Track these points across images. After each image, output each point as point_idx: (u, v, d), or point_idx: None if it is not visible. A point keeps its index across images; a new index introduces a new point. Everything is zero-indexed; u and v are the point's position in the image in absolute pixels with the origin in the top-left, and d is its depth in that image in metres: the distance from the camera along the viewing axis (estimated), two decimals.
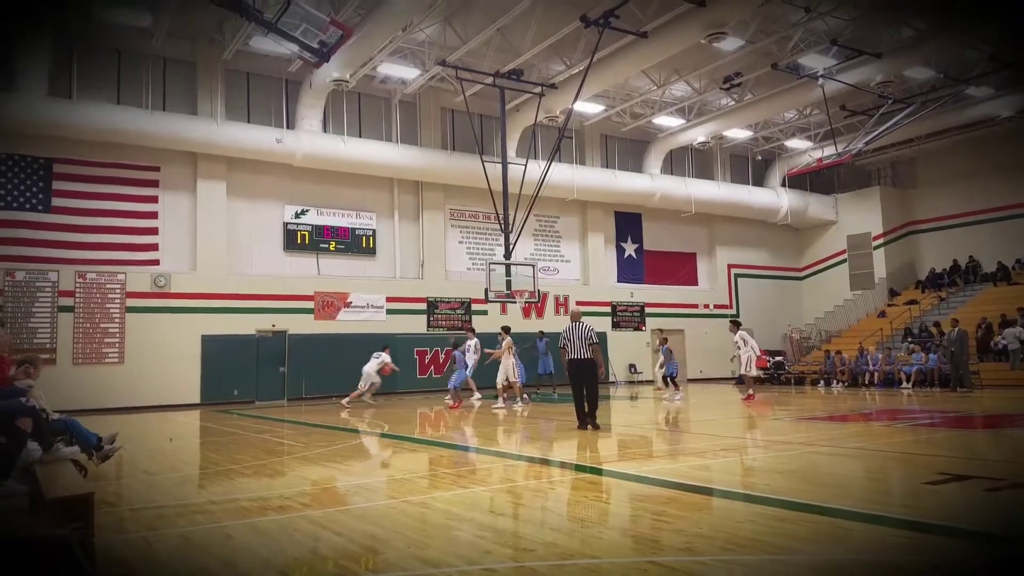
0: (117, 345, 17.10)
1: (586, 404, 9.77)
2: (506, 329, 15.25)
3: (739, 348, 15.32)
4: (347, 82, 18.00)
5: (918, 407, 13.17)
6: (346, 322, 19.93)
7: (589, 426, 9.68)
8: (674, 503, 5.18)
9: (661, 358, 16.79)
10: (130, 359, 17.12)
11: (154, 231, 18.10)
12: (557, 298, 23.49)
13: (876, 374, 19.80)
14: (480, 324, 20.53)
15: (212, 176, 18.65)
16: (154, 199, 18.15)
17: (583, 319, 10.38)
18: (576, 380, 9.94)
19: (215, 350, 17.99)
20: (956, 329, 17.58)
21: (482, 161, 18.60)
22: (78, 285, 16.89)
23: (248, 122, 19.00)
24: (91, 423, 6.94)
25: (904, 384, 18.84)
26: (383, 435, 10.30)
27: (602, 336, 21.39)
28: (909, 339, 21.97)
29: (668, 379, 16.20)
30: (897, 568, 3.51)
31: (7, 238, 16.43)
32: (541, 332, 20.08)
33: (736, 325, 15.85)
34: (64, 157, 17.10)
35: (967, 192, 25.80)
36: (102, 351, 16.95)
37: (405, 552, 3.95)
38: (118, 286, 17.31)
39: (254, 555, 3.98)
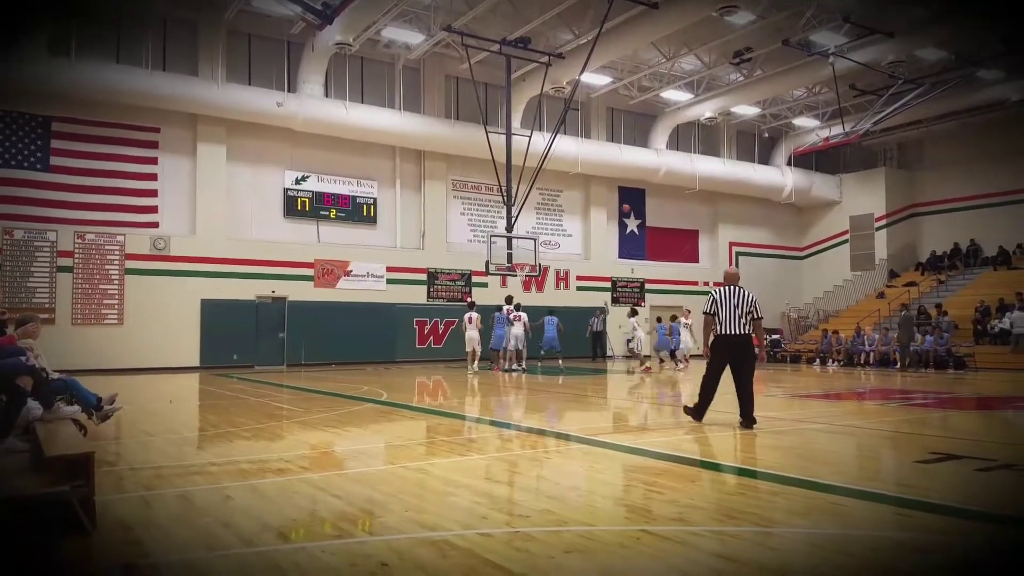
0: (116, 307, 17.13)
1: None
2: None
3: (634, 330, 18.39)
4: (350, 45, 17.75)
5: (912, 388, 13.25)
6: (346, 290, 19.94)
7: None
8: (667, 474, 5.24)
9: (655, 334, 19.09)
10: (129, 321, 17.16)
11: (153, 193, 18.00)
12: (558, 272, 23.47)
13: (872, 354, 19.90)
14: (481, 296, 20.56)
15: (212, 139, 18.48)
16: (154, 160, 18.01)
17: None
18: None
19: (215, 314, 18.02)
20: (903, 312, 18.73)
21: (486, 131, 18.41)
22: (77, 246, 16.85)
23: (249, 85, 18.77)
24: (90, 383, 6.97)
25: (899, 364, 18.94)
26: (381, 403, 10.37)
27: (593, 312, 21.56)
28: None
29: (671, 353, 18.56)
30: (890, 544, 3.56)
31: (5, 196, 16.34)
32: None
33: (633, 312, 18.92)
34: (63, 116, 16.92)
35: (973, 175, 25.63)
36: (101, 312, 16.97)
37: (402, 516, 3.99)
38: (117, 247, 17.27)
39: (253, 516, 4.03)
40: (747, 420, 7.36)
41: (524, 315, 16.85)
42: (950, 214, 26.53)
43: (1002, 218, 24.74)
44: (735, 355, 7.47)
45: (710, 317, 7.63)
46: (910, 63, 20.54)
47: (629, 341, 19.27)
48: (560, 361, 17.78)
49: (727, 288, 7.58)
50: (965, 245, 25.67)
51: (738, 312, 7.41)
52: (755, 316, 7.48)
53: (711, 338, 7.72)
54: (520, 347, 16.62)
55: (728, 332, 7.45)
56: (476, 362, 16.74)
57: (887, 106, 22.00)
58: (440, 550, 3.37)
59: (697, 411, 7.65)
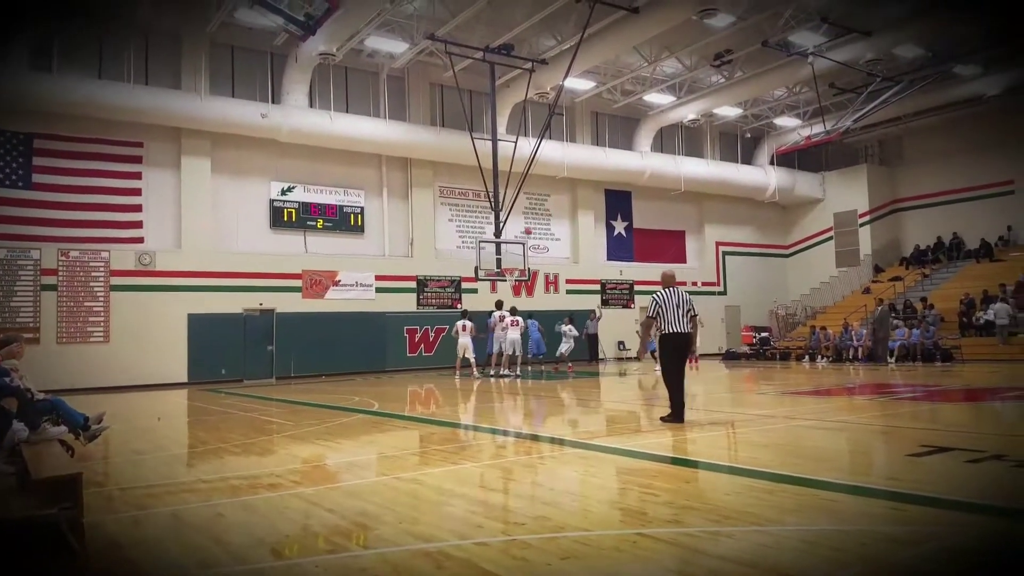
0: (102, 324, 16.95)
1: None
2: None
3: (566, 335, 18.62)
4: (334, 56, 17.73)
5: (900, 381, 13.36)
6: (335, 300, 19.84)
7: None
8: (661, 476, 5.24)
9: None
10: (115, 338, 16.98)
11: (138, 208, 17.85)
12: (547, 276, 23.50)
13: (860, 349, 20.05)
14: (471, 303, 20.57)
15: (196, 152, 18.37)
16: (137, 175, 17.87)
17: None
18: None
19: (202, 329, 17.87)
20: (879, 307, 18.80)
21: (471, 138, 18.40)
22: (61, 263, 16.67)
23: (233, 97, 18.69)
24: (77, 403, 6.90)
25: (883, 359, 19.09)
26: (373, 413, 10.32)
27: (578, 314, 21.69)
28: (892, 315, 22.20)
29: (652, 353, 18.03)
30: (883, 538, 3.58)
31: None
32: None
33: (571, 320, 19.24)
34: (45, 132, 16.76)
35: (952, 170, 25.95)
36: (87, 330, 16.79)
37: (397, 528, 3.97)
38: (102, 264, 17.10)
39: (245, 533, 3.99)
40: (676, 415, 7.59)
41: (520, 319, 16.77)
42: (932, 208, 26.83)
43: (983, 211, 25.05)
44: (680, 353, 7.78)
45: (651, 320, 7.90)
46: (888, 61, 20.79)
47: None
48: (530, 367, 17.93)
49: (668, 290, 7.88)
50: (948, 239, 25.95)
51: (680, 312, 7.74)
52: (694, 314, 7.88)
53: (655, 339, 8.07)
54: (517, 352, 16.64)
55: (675, 331, 7.75)
56: (464, 368, 16.79)
57: (867, 104, 22.24)
58: (436, 561, 3.36)
59: (675, 415, 7.74)
